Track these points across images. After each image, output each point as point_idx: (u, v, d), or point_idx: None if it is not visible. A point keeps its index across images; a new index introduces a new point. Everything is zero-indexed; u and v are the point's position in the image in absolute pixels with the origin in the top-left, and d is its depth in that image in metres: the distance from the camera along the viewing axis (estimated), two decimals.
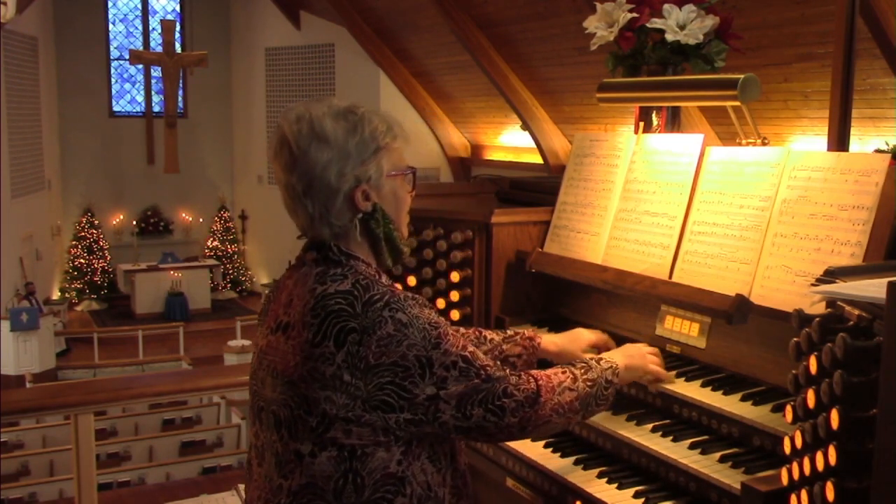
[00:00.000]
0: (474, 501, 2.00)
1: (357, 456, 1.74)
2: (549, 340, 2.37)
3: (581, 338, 2.39)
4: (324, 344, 1.72)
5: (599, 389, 2.00)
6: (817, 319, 1.55)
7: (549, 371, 1.95)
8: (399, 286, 1.89)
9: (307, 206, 1.83)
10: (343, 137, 1.81)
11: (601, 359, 2.09)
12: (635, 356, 2.20)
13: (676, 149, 2.51)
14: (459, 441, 1.94)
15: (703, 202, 2.38)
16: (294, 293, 1.83)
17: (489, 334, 2.33)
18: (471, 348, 1.81)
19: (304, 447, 1.76)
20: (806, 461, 1.54)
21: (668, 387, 2.22)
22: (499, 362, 1.90)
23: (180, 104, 18.59)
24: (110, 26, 18.68)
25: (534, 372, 1.92)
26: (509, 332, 2.36)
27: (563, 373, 1.96)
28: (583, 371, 2.00)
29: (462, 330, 2.26)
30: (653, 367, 2.21)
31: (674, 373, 2.27)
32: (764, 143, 2.40)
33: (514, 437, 1.89)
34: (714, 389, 2.15)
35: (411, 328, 1.73)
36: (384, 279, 1.86)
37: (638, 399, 2.33)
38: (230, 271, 18.70)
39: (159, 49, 17.84)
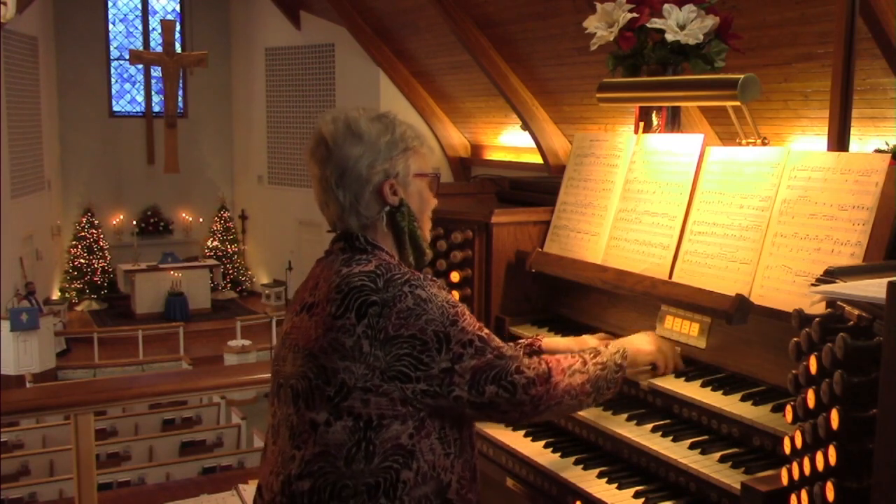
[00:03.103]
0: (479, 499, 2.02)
1: (372, 426, 1.80)
2: (556, 340, 2.40)
3: (588, 342, 2.39)
4: (346, 316, 1.81)
5: (610, 372, 2.06)
6: (817, 319, 1.55)
7: (559, 356, 2.02)
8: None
9: (338, 196, 1.93)
10: (376, 135, 1.93)
11: (609, 344, 2.16)
12: (644, 341, 2.25)
13: (676, 149, 2.51)
14: (472, 429, 1.98)
15: (703, 202, 2.38)
16: (321, 277, 1.94)
17: None
18: (486, 330, 1.89)
19: (319, 416, 1.83)
20: (806, 461, 1.54)
21: (669, 386, 2.22)
22: (512, 344, 1.94)
23: (180, 104, 18.59)
24: (110, 26, 18.68)
25: (545, 356, 1.99)
26: (510, 343, 2.37)
27: (573, 356, 2.03)
28: (592, 355, 2.06)
29: None
30: (664, 348, 2.26)
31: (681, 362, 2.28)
32: (764, 143, 2.39)
33: (527, 416, 1.94)
34: (714, 389, 2.15)
35: (430, 304, 1.82)
36: (405, 268, 1.94)
37: (638, 399, 2.33)
38: (230, 271, 18.70)
39: (159, 49, 17.83)
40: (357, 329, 1.79)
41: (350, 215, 1.94)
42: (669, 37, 2.60)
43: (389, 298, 1.80)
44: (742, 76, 2.34)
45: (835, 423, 1.46)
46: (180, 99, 18.51)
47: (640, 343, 2.24)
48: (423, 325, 1.80)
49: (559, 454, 2.31)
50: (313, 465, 1.83)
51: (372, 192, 1.93)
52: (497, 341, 1.89)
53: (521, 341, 2.38)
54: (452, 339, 1.81)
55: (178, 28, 18.57)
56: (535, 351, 2.34)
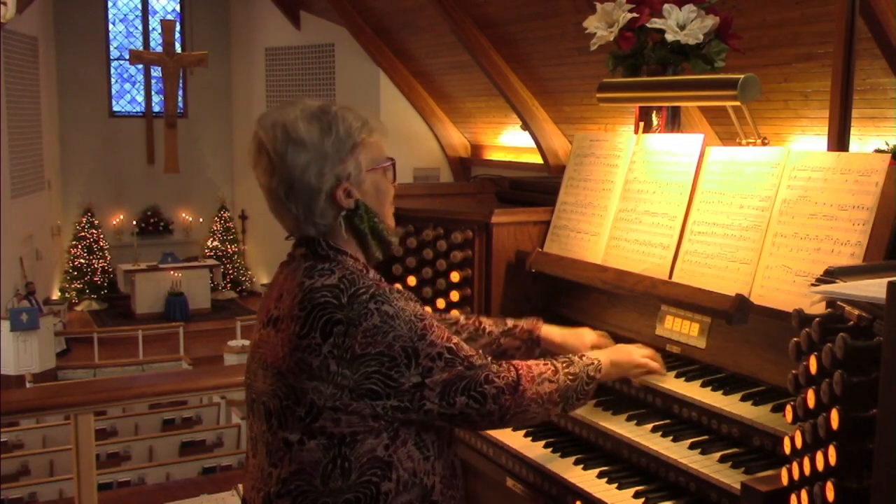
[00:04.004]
0: (467, 496, 2.02)
1: (346, 443, 1.78)
2: (553, 331, 2.39)
3: (585, 336, 2.40)
4: (310, 336, 1.76)
5: (580, 384, 2.03)
6: (817, 319, 1.55)
7: (531, 362, 2.00)
8: (399, 286, 1.92)
9: (291, 209, 1.86)
10: (318, 138, 1.83)
11: (584, 355, 2.13)
12: (621, 352, 2.23)
13: (676, 149, 2.51)
14: (448, 431, 1.96)
15: (703, 202, 2.38)
16: (284, 288, 1.87)
17: (488, 327, 2.35)
18: (455, 339, 1.85)
19: (292, 436, 1.80)
20: (806, 461, 1.54)
21: (669, 386, 2.22)
22: (481, 351, 1.93)
23: (180, 104, 18.58)
24: (110, 26, 18.67)
25: (515, 362, 1.96)
26: (508, 325, 2.38)
27: (545, 364, 2.00)
28: (564, 365, 2.04)
29: (461, 320, 2.32)
30: (640, 360, 2.24)
31: (669, 371, 2.27)
32: (764, 143, 2.39)
33: (494, 425, 1.93)
34: (714, 389, 2.15)
35: (397, 320, 1.77)
36: (371, 274, 1.89)
37: (638, 399, 2.33)
38: (230, 271, 18.69)
39: (159, 49, 17.82)
40: (323, 349, 1.74)
41: (306, 225, 1.86)
42: (669, 37, 2.60)
43: (355, 317, 1.74)
44: (742, 76, 2.34)
45: (835, 423, 1.46)
46: (180, 99, 18.50)
47: (622, 355, 2.22)
48: (390, 341, 1.75)
49: (559, 454, 2.31)
50: (290, 484, 1.81)
51: (325, 199, 1.84)
52: (466, 350, 1.85)
53: (520, 323, 2.39)
54: (421, 353, 1.77)
55: (178, 28, 18.57)
56: (532, 340, 2.35)
